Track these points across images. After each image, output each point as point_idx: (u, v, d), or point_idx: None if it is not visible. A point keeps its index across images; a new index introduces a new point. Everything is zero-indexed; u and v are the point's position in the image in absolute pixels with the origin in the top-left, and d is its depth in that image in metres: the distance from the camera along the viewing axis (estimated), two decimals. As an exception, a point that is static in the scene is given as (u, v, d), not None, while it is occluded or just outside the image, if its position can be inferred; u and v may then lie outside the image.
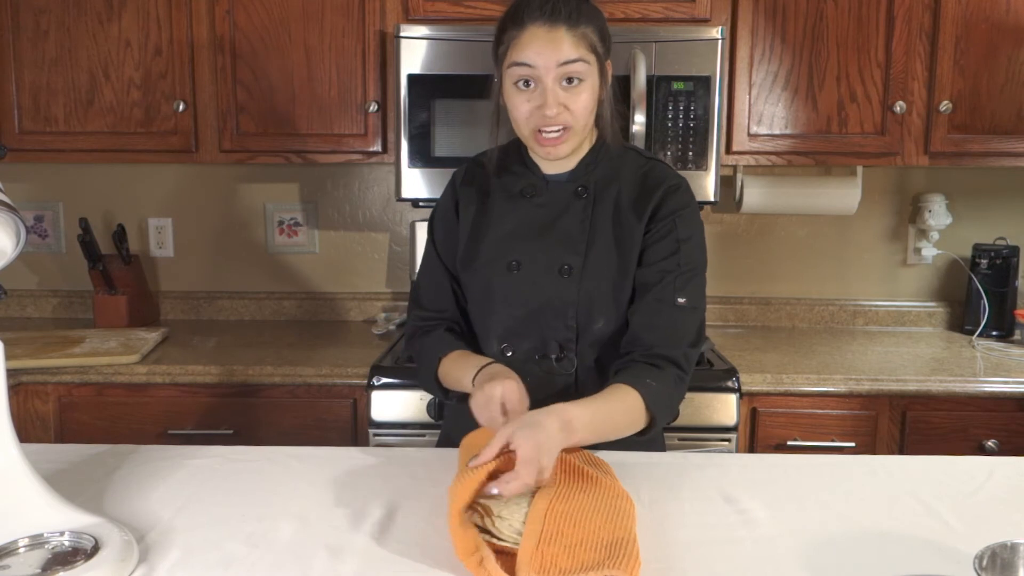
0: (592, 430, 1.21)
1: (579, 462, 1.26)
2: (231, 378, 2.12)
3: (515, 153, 1.49)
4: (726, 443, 2.01)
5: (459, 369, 1.41)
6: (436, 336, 1.49)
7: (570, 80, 1.33)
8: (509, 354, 1.45)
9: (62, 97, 2.34)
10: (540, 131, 1.35)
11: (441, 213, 1.54)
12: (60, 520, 1.05)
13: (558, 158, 1.40)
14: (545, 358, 1.45)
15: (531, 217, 1.45)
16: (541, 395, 1.42)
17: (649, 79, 2.12)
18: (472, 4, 2.24)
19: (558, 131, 1.35)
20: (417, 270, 1.63)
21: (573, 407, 1.20)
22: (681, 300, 1.37)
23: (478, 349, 1.50)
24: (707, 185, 2.18)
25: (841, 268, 2.70)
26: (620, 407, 1.28)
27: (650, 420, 1.31)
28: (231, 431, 2.13)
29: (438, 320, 1.51)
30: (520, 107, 1.36)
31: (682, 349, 1.36)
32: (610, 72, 1.41)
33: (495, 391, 1.26)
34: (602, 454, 1.36)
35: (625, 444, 1.38)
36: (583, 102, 1.34)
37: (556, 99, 1.33)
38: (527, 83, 1.34)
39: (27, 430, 2.13)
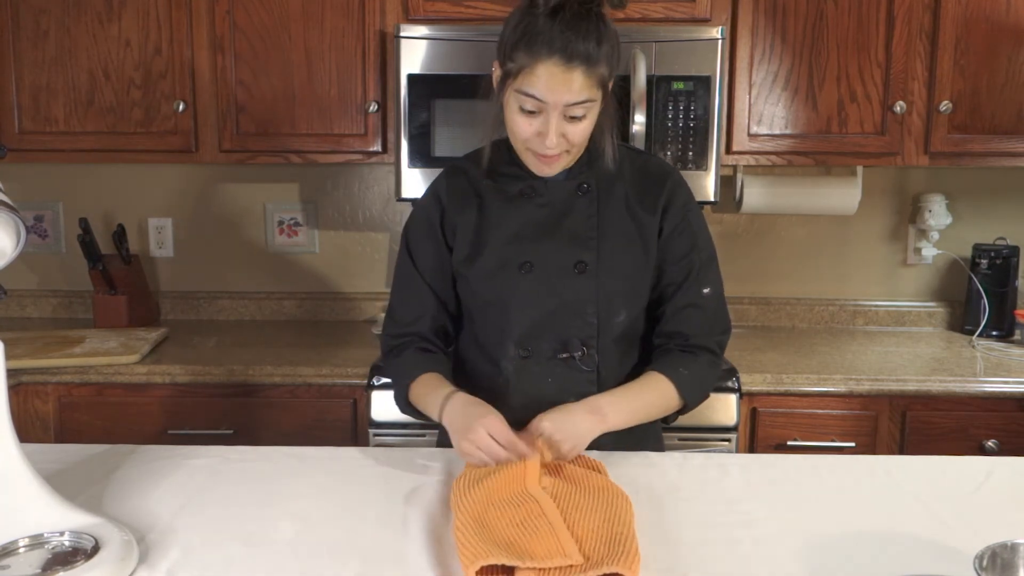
0: (624, 415, 1.34)
1: (574, 465, 1.26)
2: (231, 378, 2.12)
3: (505, 154, 1.47)
4: (726, 443, 2.02)
5: (423, 399, 1.41)
6: (405, 358, 1.46)
7: (574, 116, 1.33)
8: (527, 356, 1.44)
9: (62, 97, 2.34)
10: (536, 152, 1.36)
11: (421, 225, 1.50)
12: (60, 520, 1.05)
13: (550, 175, 1.41)
14: (567, 356, 1.44)
15: (535, 217, 1.44)
16: (563, 394, 1.43)
17: (649, 79, 2.12)
18: (472, 4, 2.24)
19: (555, 152, 1.36)
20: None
21: (603, 396, 1.34)
22: (706, 291, 1.45)
23: (455, 359, 1.50)
24: (707, 185, 2.18)
25: (841, 268, 2.70)
26: (652, 393, 1.38)
27: (683, 404, 1.41)
28: (231, 431, 2.13)
29: (409, 336, 1.48)
30: (521, 126, 1.34)
31: (715, 337, 1.45)
32: (611, 87, 1.39)
33: (480, 436, 1.25)
34: (602, 455, 1.36)
35: (625, 444, 1.41)
36: (582, 131, 1.35)
37: (558, 131, 1.32)
38: (532, 111, 1.33)
39: (27, 430, 2.13)
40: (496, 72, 1.39)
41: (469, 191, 1.48)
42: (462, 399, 1.34)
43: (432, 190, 1.51)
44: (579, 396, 1.43)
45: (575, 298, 1.42)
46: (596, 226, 1.43)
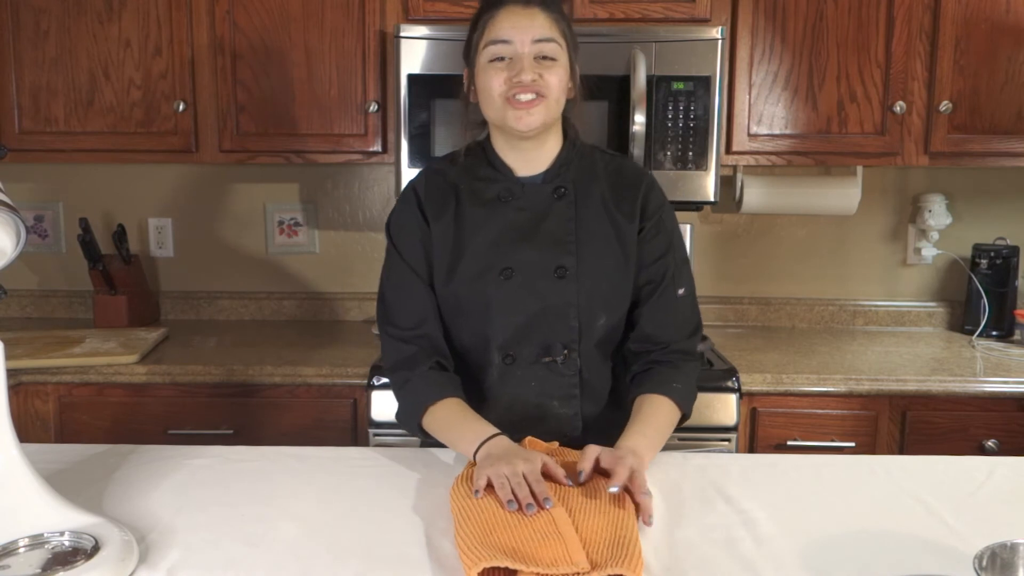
0: (654, 451, 1.34)
1: (575, 467, 1.26)
2: (231, 378, 2.12)
3: (481, 157, 1.47)
4: (726, 443, 2.01)
5: (452, 430, 1.35)
6: (421, 376, 1.41)
7: (544, 57, 1.37)
8: (510, 362, 1.44)
9: (62, 97, 2.34)
10: (514, 97, 1.36)
11: (405, 224, 1.48)
12: (60, 520, 1.05)
13: (531, 127, 1.37)
14: (550, 360, 1.44)
15: (513, 222, 1.43)
16: (546, 398, 1.43)
17: (649, 79, 2.12)
18: (472, 4, 2.24)
19: (532, 97, 1.36)
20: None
21: (632, 438, 1.31)
22: (681, 291, 1.48)
23: (462, 375, 1.46)
24: (707, 185, 2.18)
25: (841, 268, 2.70)
26: (663, 418, 1.39)
27: (683, 415, 1.44)
28: (231, 431, 2.13)
29: (417, 339, 1.44)
30: (494, 79, 1.37)
31: (690, 339, 1.48)
32: (578, 73, 1.44)
33: (517, 469, 1.16)
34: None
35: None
36: (557, 77, 1.38)
37: (532, 66, 1.36)
38: (502, 59, 1.37)
39: (27, 430, 2.13)
40: (465, 78, 1.45)
41: (447, 192, 1.47)
42: (508, 442, 1.27)
43: (411, 188, 1.49)
44: (562, 400, 1.43)
45: (557, 302, 1.42)
46: (575, 230, 1.43)
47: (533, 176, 1.45)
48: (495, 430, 1.30)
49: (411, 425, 1.42)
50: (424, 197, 1.47)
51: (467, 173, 1.47)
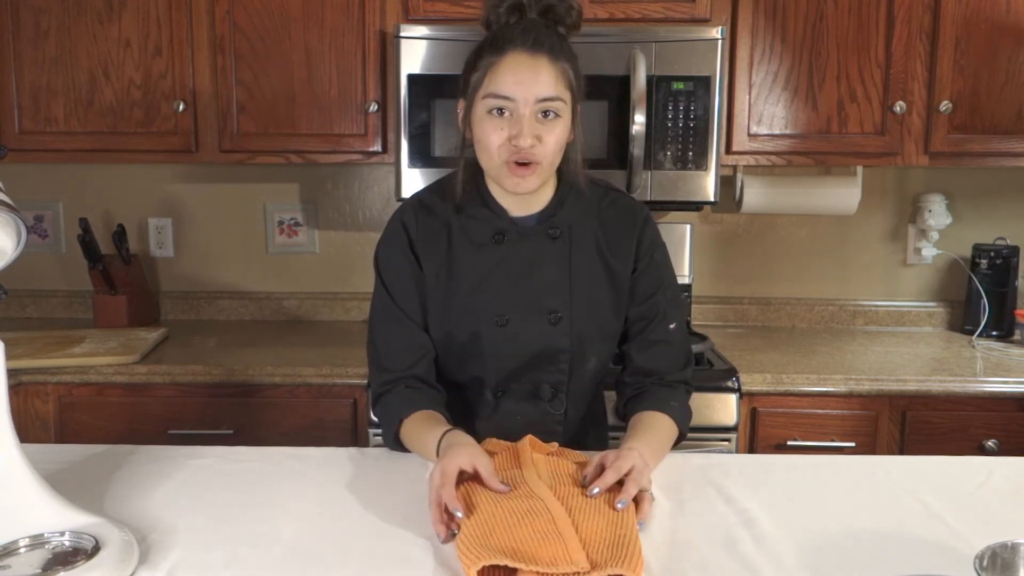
0: (656, 459, 1.34)
1: (575, 467, 1.26)
2: (231, 378, 2.12)
3: (474, 194, 1.43)
4: (726, 443, 2.02)
5: (419, 438, 1.34)
6: (396, 395, 1.40)
7: (546, 114, 1.31)
8: (500, 394, 1.44)
9: (62, 97, 2.34)
10: (510, 162, 1.31)
11: (396, 264, 1.44)
12: (60, 520, 1.05)
13: (527, 191, 1.35)
14: (537, 399, 1.45)
15: (507, 264, 1.41)
16: (530, 430, 1.41)
17: (649, 79, 2.12)
18: (472, 4, 2.24)
19: (528, 163, 1.32)
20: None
21: (639, 445, 1.28)
22: (672, 326, 1.47)
23: (448, 395, 1.45)
24: (707, 185, 2.18)
25: (841, 268, 2.70)
26: (666, 433, 1.39)
27: (679, 434, 1.43)
28: (231, 431, 2.13)
29: (403, 377, 1.41)
30: (491, 136, 1.31)
31: (684, 369, 1.48)
32: (580, 113, 1.39)
33: (452, 467, 1.17)
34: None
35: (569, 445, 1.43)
36: (556, 136, 1.32)
37: (532, 131, 1.30)
38: (501, 111, 1.31)
39: (27, 430, 2.13)
40: (460, 109, 1.39)
41: (438, 231, 1.43)
42: (456, 436, 1.26)
43: (399, 224, 1.44)
44: (546, 435, 1.40)
45: (549, 348, 1.42)
46: (568, 272, 1.41)
47: (528, 216, 1.42)
48: (445, 427, 1.29)
49: (390, 441, 1.41)
50: (415, 236, 1.43)
51: (459, 211, 1.42)
